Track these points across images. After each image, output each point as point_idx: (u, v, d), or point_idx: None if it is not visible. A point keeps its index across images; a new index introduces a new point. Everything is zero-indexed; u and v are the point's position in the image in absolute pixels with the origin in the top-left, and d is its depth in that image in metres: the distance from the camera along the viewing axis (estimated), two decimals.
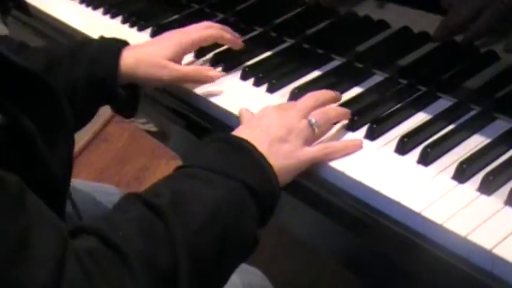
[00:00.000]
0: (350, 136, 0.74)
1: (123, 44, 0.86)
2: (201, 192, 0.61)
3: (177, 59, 0.86)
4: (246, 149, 0.66)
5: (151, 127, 1.65)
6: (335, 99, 0.77)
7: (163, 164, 1.97)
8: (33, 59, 0.83)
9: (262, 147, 0.66)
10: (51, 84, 0.65)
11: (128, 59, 0.83)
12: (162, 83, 0.87)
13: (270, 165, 0.65)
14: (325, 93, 0.77)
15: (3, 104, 0.57)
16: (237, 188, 0.62)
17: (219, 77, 0.86)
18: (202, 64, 0.95)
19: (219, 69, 0.92)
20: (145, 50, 0.85)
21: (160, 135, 1.06)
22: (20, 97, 0.60)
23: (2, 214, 0.49)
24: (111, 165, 2.03)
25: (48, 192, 0.56)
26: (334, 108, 0.75)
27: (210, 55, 0.96)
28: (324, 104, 0.75)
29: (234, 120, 0.79)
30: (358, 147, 0.71)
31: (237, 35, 0.93)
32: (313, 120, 0.71)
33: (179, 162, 1.66)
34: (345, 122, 0.76)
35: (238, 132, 0.71)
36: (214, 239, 0.59)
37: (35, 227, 0.50)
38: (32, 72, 0.63)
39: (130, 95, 0.86)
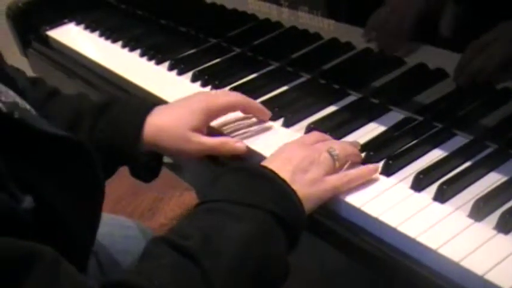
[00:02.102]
0: None
1: (148, 109, 0.82)
2: (229, 228, 0.60)
3: (202, 127, 0.81)
4: (268, 177, 0.66)
5: (165, 158, 1.67)
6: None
7: (177, 195, 1.96)
8: (59, 114, 0.82)
9: (284, 174, 0.66)
10: (88, 150, 0.65)
11: (150, 129, 0.80)
12: (186, 156, 0.83)
13: (293, 191, 0.65)
14: (346, 143, 0.77)
15: (35, 183, 0.57)
16: (264, 218, 0.62)
17: (244, 149, 0.80)
18: None
19: None
20: (169, 120, 0.80)
21: (175, 167, 1.06)
22: (53, 169, 0.60)
23: (38, 286, 0.49)
24: (125, 196, 2.02)
25: (74, 253, 0.56)
26: (351, 146, 0.75)
27: (226, 89, 0.97)
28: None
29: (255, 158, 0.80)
30: (373, 171, 0.72)
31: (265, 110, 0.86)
32: (334, 152, 0.71)
33: (193, 194, 1.66)
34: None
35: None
36: (248, 274, 0.59)
37: None
38: (66, 138, 0.63)
39: (152, 160, 0.84)
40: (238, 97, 0.85)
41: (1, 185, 0.53)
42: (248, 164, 0.70)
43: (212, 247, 0.58)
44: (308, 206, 0.67)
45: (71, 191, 0.61)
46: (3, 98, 0.59)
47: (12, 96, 0.63)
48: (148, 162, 0.83)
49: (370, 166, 0.72)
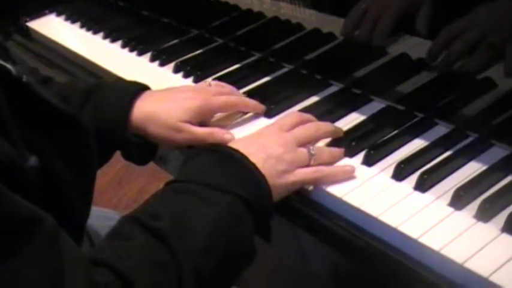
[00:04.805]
0: (347, 162, 0.74)
1: (139, 91, 0.82)
2: (199, 210, 0.62)
3: (193, 123, 0.80)
4: (237, 159, 0.67)
5: None
6: (335, 134, 0.77)
7: (161, 187, 1.96)
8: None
9: (256, 160, 0.67)
10: (84, 125, 0.66)
11: (139, 114, 0.80)
12: (174, 144, 0.81)
13: (262, 176, 0.66)
14: (327, 126, 0.77)
15: (38, 146, 0.59)
16: (233, 202, 0.63)
17: (232, 139, 0.79)
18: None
19: None
20: (160, 109, 0.80)
21: (159, 160, 1.06)
22: (52, 136, 0.62)
23: (40, 251, 0.50)
24: (109, 187, 2.02)
25: (69, 227, 0.57)
26: (329, 150, 0.74)
27: (209, 79, 0.96)
28: (324, 135, 0.76)
29: None
30: (348, 173, 0.71)
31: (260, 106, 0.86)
32: (314, 152, 0.71)
33: None
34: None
35: (232, 144, 0.71)
36: (216, 257, 0.60)
37: (68, 264, 0.52)
38: (65, 112, 0.64)
39: (145, 144, 0.83)
40: (232, 98, 0.84)
41: (10, 141, 0.54)
42: (222, 146, 0.71)
43: (182, 229, 0.60)
44: (274, 194, 0.67)
45: (68, 160, 0.63)
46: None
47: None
48: (141, 145, 0.83)
49: (346, 167, 0.72)
